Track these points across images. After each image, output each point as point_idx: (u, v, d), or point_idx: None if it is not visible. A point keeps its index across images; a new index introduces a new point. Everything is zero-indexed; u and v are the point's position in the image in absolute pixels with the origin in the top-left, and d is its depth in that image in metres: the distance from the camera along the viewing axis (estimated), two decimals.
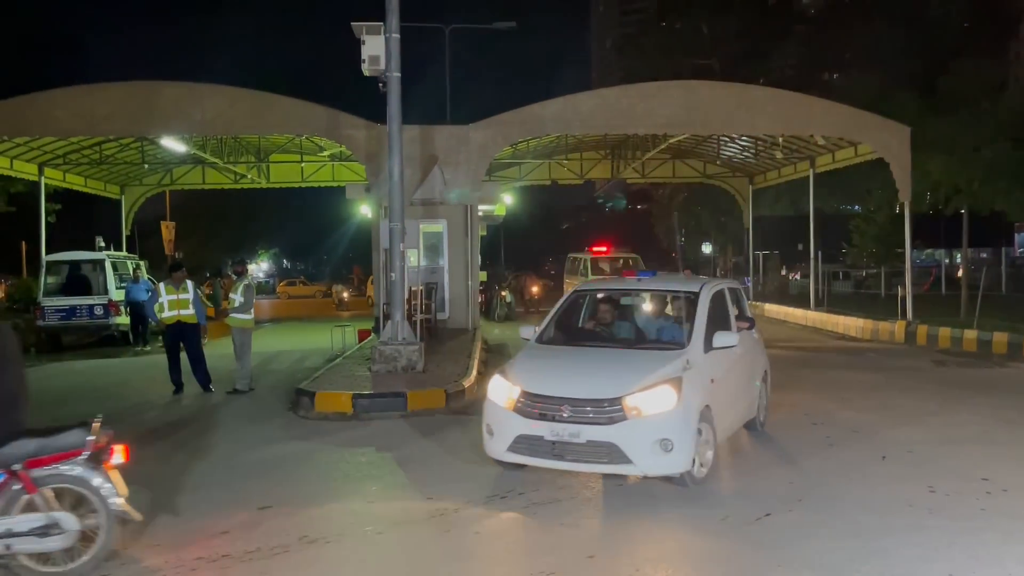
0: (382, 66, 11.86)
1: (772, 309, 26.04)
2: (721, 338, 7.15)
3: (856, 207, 38.49)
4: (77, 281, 18.94)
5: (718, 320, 7.55)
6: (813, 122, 18.45)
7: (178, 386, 11.87)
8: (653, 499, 6.37)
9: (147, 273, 20.80)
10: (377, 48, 11.84)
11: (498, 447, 6.63)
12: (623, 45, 62.04)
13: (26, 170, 20.76)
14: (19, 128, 17.27)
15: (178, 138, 19.83)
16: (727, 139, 23.14)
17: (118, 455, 5.12)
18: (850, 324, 20.19)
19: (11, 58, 22.44)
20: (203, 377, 11.91)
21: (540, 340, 7.71)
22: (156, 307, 11.83)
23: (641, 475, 6.38)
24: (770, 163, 24.84)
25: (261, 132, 19.52)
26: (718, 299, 7.84)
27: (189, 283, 12.01)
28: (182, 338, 11.85)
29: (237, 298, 11.96)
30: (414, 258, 15.97)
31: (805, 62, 38.83)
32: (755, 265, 29.91)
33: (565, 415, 6.30)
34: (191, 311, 11.82)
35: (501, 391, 6.73)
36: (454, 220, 17.60)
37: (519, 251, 57.41)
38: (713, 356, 7.06)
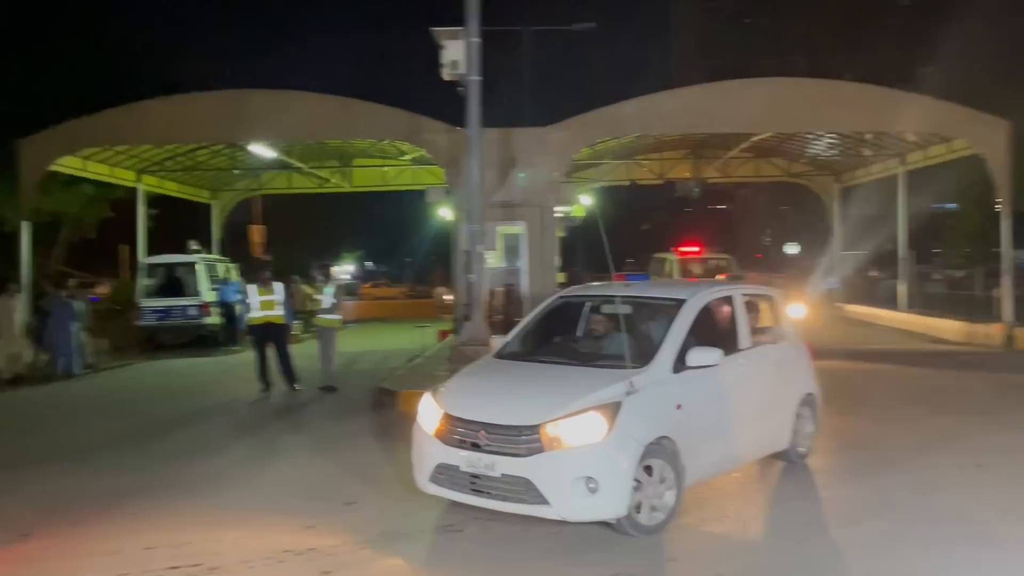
0: (462, 70, 12.02)
1: (859, 311, 25.25)
2: (698, 356, 5.97)
3: (952, 205, 37.00)
4: (173, 283, 19.72)
5: (715, 333, 6.47)
6: (904, 117, 17.79)
7: (266, 384, 12.27)
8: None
9: (238, 275, 21.52)
10: (457, 53, 12.01)
11: (420, 477, 5.89)
12: (705, 43, 61.17)
13: (125, 177, 21.75)
14: (119, 137, 18.14)
15: (266, 144, 20.46)
16: (812, 136, 22.55)
17: None
18: (943, 327, 19.41)
19: (110, 68, 23.53)
20: (289, 376, 12.29)
21: (500, 353, 6.85)
22: (246, 308, 12.29)
23: (559, 519, 5.40)
24: (858, 160, 24.09)
25: (345, 137, 19.97)
26: (718, 309, 6.81)
27: (278, 284, 12.42)
28: (270, 338, 12.25)
29: (326, 299, 12.31)
30: (493, 260, 16.10)
31: (896, 55, 37.56)
32: (842, 265, 29.03)
33: (481, 443, 5.51)
34: (279, 311, 12.22)
35: (427, 413, 5.99)
36: (532, 222, 17.65)
37: (598, 252, 57.09)
38: (687, 377, 5.95)
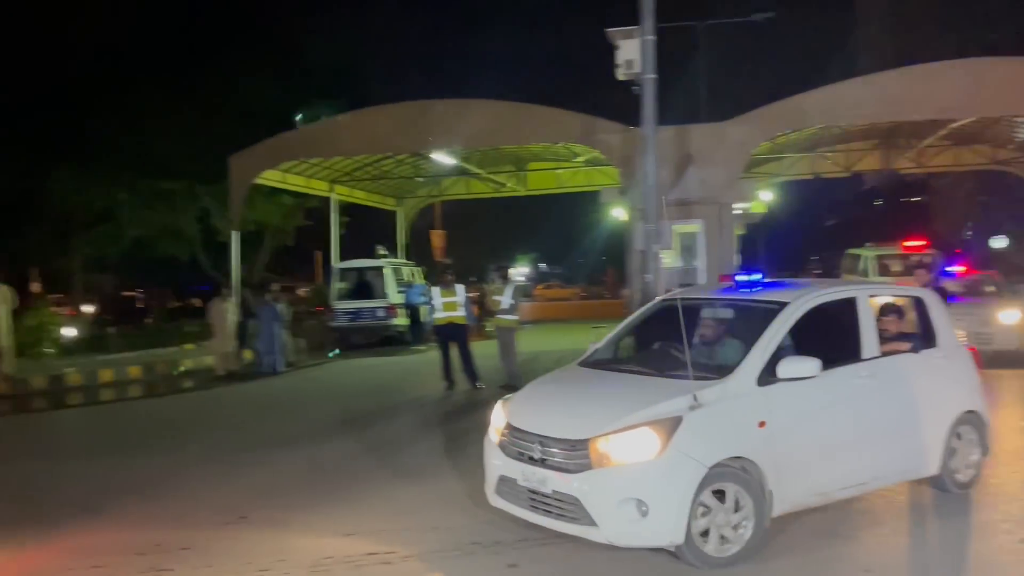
0: (637, 69, 11.96)
1: None
2: (790, 366, 5.28)
3: None
4: (362, 286, 20.88)
5: (826, 341, 5.67)
6: None
7: (450, 382, 12.76)
8: None
9: (422, 278, 22.49)
10: (632, 52, 11.97)
11: (488, 489, 5.72)
12: (895, 24, 57.32)
13: (319, 188, 23.33)
14: (314, 150, 19.50)
15: (446, 152, 21.25)
16: (1023, 120, 20.57)
17: None
18: None
19: (305, 86, 25.36)
20: (471, 374, 12.71)
21: (584, 360, 6.50)
22: (430, 309, 12.86)
23: (607, 543, 5.00)
24: None
25: (520, 142, 20.39)
26: (833, 313, 5.96)
27: (459, 287, 12.89)
28: (453, 337, 12.71)
29: (504, 300, 12.66)
30: (669, 259, 15.89)
31: None
32: None
33: (535, 456, 5.25)
34: (461, 312, 12.67)
35: (496, 422, 5.81)
36: (710, 219, 17.26)
37: (779, 250, 54.96)
38: (777, 391, 5.29)
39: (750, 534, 5.04)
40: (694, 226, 17.37)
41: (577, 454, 5.02)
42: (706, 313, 6.39)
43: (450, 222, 32.86)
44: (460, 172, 25.81)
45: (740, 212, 19.15)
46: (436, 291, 12.84)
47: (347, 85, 25.84)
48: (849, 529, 5.65)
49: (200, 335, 18.93)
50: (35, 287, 27.02)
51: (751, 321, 5.76)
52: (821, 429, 5.52)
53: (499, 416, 5.80)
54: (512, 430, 5.53)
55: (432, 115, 18.04)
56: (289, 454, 8.74)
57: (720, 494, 4.98)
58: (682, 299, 6.77)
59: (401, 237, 28.27)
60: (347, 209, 26.50)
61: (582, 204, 31.15)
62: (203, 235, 24.87)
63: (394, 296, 20.37)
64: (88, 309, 29.55)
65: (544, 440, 5.22)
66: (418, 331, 19.75)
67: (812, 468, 5.42)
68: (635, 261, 16.18)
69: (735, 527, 5.02)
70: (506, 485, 5.48)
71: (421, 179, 26.46)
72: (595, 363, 6.39)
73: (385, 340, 20.38)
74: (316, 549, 5.65)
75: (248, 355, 16.57)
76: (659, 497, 4.83)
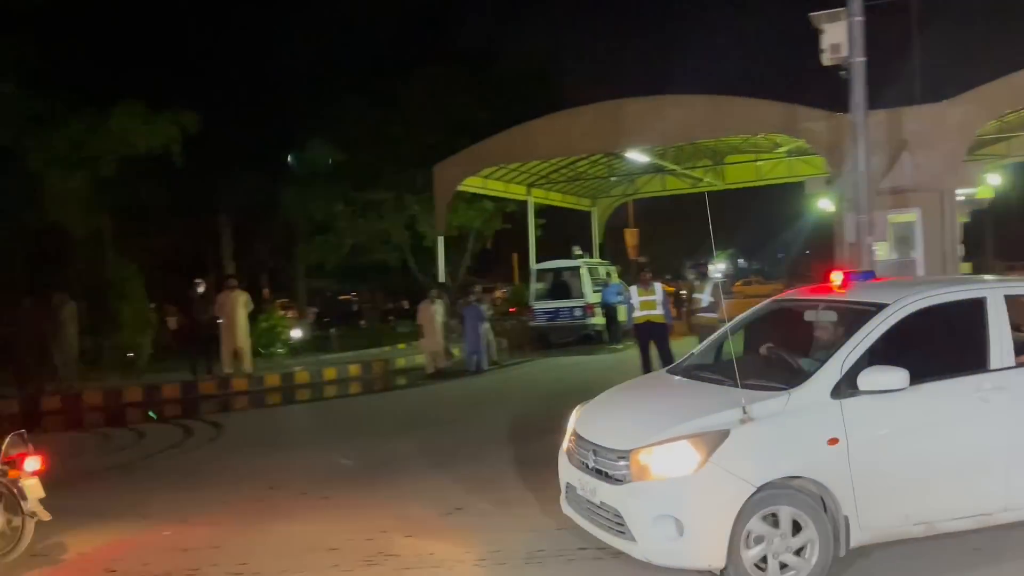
0: (844, 53, 11.41)
1: None
2: (873, 378, 4.66)
3: None
4: (559, 286, 21.25)
5: (938, 348, 5.10)
6: None
7: None
8: None
9: (616, 277, 22.55)
10: (838, 35, 11.44)
11: (561, 496, 5.59)
12: None
13: (517, 191, 24.01)
14: (511, 155, 20.12)
15: (641, 150, 21.17)
16: None
17: (32, 463, 5.80)
18: None
19: (502, 94, 26.07)
20: None
21: (674, 367, 6.27)
22: (628, 308, 12.90)
23: (645, 560, 4.73)
24: None
25: (718, 135, 19.94)
26: (954, 315, 5.19)
27: (656, 285, 12.84)
28: (652, 336, 12.67)
29: (705, 297, 12.47)
30: (883, 251, 15.00)
31: None
32: None
33: (590, 464, 5.08)
34: (659, 311, 12.61)
35: (569, 427, 5.69)
36: (928, 208, 16.06)
37: (1010, 238, 49.98)
38: (857, 404, 4.67)
39: (815, 562, 4.57)
40: (910, 215, 16.28)
41: (621, 465, 4.83)
42: (809, 316, 5.91)
43: (644, 219, 32.66)
44: (655, 169, 25.61)
45: (963, 198, 17.67)
46: (634, 290, 12.87)
47: (541, 88, 26.30)
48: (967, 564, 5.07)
49: (411, 335, 20.05)
50: (266, 292, 29.76)
51: (849, 325, 5.21)
52: (922, 449, 4.84)
53: (571, 423, 5.73)
54: (577, 438, 5.43)
55: (625, 114, 18.06)
56: (499, 449, 9.11)
57: (772, 517, 4.57)
58: (793, 300, 6.54)
59: (596, 236, 28.44)
60: (542, 211, 27.04)
61: (783, 196, 29.93)
62: (411, 240, 26.26)
63: (591, 295, 20.57)
64: (310, 312, 32.08)
65: (597, 449, 5.09)
66: (615, 330, 19.83)
67: (908, 494, 4.79)
68: (844, 254, 15.39)
69: (796, 552, 4.59)
70: (570, 493, 5.41)
71: (615, 178, 26.51)
72: (684, 370, 6.09)
73: (582, 339, 20.59)
74: (528, 541, 5.87)
75: (455, 353, 17.34)
76: (694, 516, 4.54)
